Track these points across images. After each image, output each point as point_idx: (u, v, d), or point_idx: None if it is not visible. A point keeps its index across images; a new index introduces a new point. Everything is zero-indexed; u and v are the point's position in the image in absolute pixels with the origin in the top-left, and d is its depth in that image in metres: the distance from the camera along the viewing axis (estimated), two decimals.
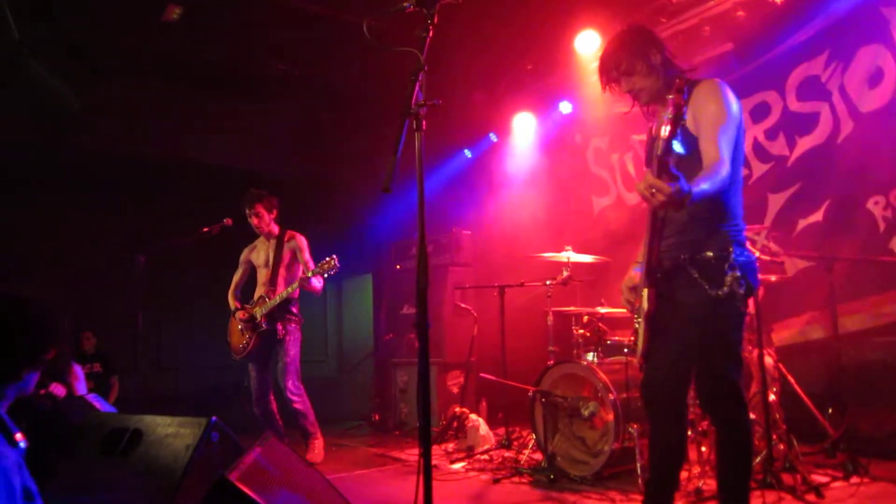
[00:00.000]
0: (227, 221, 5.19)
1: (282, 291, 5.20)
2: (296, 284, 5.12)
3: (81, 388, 5.20)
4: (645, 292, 2.74)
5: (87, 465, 2.83)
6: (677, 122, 2.22)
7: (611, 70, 2.82)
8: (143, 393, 4.71)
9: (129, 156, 6.79)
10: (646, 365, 2.85)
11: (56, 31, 5.39)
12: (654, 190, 2.19)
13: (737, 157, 2.63)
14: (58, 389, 4.88)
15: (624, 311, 3.95)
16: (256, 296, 5.39)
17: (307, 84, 6.88)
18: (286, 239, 5.41)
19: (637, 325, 2.86)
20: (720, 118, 2.58)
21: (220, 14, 5.74)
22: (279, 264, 5.34)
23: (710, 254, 2.62)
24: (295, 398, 5.12)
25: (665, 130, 2.23)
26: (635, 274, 2.95)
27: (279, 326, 5.14)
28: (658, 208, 2.48)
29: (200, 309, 5.20)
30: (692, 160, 2.58)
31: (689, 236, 2.66)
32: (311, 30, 5.98)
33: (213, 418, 2.75)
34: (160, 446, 2.73)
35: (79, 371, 5.28)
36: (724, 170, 2.46)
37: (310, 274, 4.98)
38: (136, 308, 4.69)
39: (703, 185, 2.36)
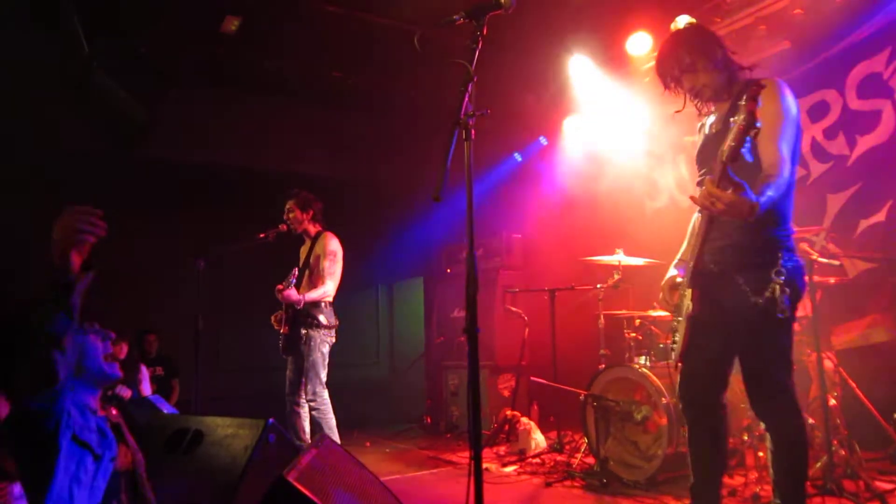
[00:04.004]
0: (283, 227, 5.27)
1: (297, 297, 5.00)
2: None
3: (146, 389, 5.40)
4: (689, 292, 2.72)
5: (150, 463, 2.94)
6: (748, 130, 2.18)
7: (672, 68, 2.76)
8: (202, 394, 4.84)
9: (190, 163, 7.00)
10: (683, 364, 2.83)
11: (122, 45, 5.61)
12: (713, 199, 2.21)
13: (793, 159, 2.58)
14: (124, 391, 5.10)
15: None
16: None
17: (362, 92, 6.99)
18: (318, 241, 5.20)
19: (675, 324, 2.84)
20: (780, 119, 2.54)
21: (276, 25, 5.88)
22: (306, 267, 5.10)
23: (757, 260, 2.59)
24: (312, 405, 4.92)
25: (733, 138, 2.19)
26: (676, 274, 2.93)
27: (301, 331, 4.98)
28: (721, 215, 2.39)
29: (258, 312, 5.29)
30: (755, 166, 2.55)
31: (737, 240, 2.63)
32: (365, 39, 6.07)
33: (271, 420, 2.82)
34: (220, 447, 2.81)
35: (144, 373, 5.49)
36: (787, 171, 2.44)
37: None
38: (197, 311, 4.83)
39: (769, 193, 2.33)
